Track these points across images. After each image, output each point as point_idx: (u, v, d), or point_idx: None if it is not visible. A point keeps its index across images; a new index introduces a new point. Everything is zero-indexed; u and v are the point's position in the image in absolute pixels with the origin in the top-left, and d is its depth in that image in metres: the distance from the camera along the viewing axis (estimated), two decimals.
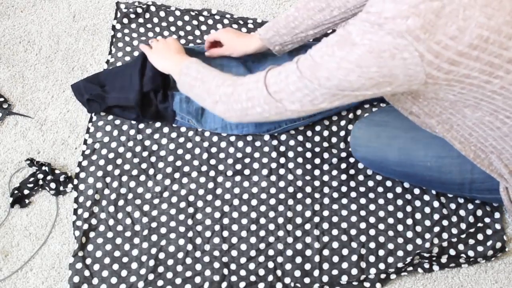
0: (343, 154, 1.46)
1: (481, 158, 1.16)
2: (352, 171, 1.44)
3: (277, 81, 1.08)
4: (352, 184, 1.42)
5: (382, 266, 1.33)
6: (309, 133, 1.49)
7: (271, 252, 1.35)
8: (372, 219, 1.38)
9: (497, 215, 1.37)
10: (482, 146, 1.14)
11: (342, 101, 1.04)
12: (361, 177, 1.43)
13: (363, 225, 1.37)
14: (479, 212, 1.38)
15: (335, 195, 1.41)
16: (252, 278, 1.33)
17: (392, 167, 1.33)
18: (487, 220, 1.37)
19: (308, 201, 1.40)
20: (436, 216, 1.38)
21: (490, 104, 1.03)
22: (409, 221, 1.37)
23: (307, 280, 1.32)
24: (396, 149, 1.29)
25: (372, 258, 1.34)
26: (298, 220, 1.39)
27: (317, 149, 1.47)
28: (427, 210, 1.38)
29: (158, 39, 1.49)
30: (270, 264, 1.34)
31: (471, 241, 1.34)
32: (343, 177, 1.43)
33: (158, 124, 1.51)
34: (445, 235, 1.36)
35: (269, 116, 1.12)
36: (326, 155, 1.46)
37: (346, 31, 0.97)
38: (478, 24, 0.92)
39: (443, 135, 1.15)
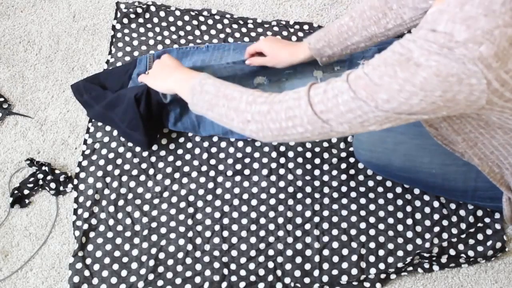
0: (343, 154, 1.46)
1: (495, 172, 1.14)
2: (352, 171, 1.44)
3: (324, 100, 0.98)
4: (352, 184, 1.42)
5: (382, 266, 1.33)
6: None
7: (271, 252, 1.35)
8: (372, 219, 1.38)
9: (497, 215, 1.37)
10: (500, 163, 1.12)
11: (393, 124, 0.97)
12: (361, 177, 1.43)
13: (363, 225, 1.37)
14: (479, 212, 1.38)
15: (335, 195, 1.41)
16: (252, 278, 1.33)
17: (396, 172, 1.32)
18: (487, 220, 1.37)
19: (308, 201, 1.40)
20: (436, 216, 1.37)
21: None
22: (409, 221, 1.37)
23: (307, 280, 1.32)
24: (401, 155, 1.28)
25: (372, 258, 1.34)
26: (298, 220, 1.39)
27: (317, 149, 1.47)
28: (427, 210, 1.38)
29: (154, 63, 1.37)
30: (270, 264, 1.34)
31: (471, 241, 1.34)
32: (343, 177, 1.43)
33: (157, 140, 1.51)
34: (445, 235, 1.36)
35: (311, 136, 1.03)
36: (326, 155, 1.46)
37: (407, 50, 0.90)
38: None
39: (464, 150, 1.11)
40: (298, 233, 1.37)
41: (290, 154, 1.46)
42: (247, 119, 1.06)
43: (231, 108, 1.09)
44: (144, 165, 1.46)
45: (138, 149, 1.48)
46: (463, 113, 0.98)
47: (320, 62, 1.36)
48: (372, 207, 1.39)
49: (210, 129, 1.47)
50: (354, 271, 1.33)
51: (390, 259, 1.34)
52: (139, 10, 1.67)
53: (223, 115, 1.10)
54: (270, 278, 1.33)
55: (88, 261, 1.36)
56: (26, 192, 1.44)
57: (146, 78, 1.36)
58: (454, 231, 1.36)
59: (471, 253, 1.33)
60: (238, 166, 1.45)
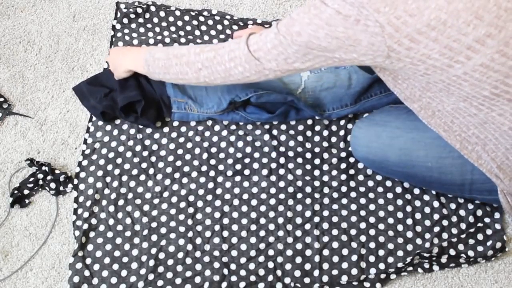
0: (343, 154, 1.46)
1: (468, 150, 1.17)
2: (352, 171, 1.44)
3: (258, 40, 1.14)
4: (352, 184, 1.42)
5: (382, 266, 1.33)
6: (308, 133, 1.49)
7: (271, 252, 1.35)
8: (372, 219, 1.38)
9: (497, 215, 1.37)
10: (466, 136, 1.15)
11: (313, 63, 1.10)
12: (361, 177, 1.43)
13: (363, 225, 1.37)
14: (479, 212, 1.38)
15: (335, 195, 1.41)
16: (252, 278, 1.33)
17: (393, 168, 1.33)
18: (487, 220, 1.37)
19: (308, 201, 1.40)
20: (436, 216, 1.38)
21: (459, 90, 1.06)
22: (409, 221, 1.37)
23: (307, 280, 1.32)
24: (397, 149, 1.29)
25: (372, 258, 1.34)
26: (298, 220, 1.39)
27: (317, 149, 1.47)
28: (427, 210, 1.38)
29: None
30: (270, 264, 1.34)
31: (471, 241, 1.34)
32: (343, 177, 1.43)
33: (158, 124, 1.51)
34: (445, 235, 1.36)
35: (250, 76, 1.18)
36: (326, 155, 1.46)
37: None
38: (438, 6, 0.97)
39: (427, 121, 1.18)
40: (298, 233, 1.37)
41: (290, 154, 1.46)
42: (199, 68, 1.23)
43: (183, 63, 1.25)
44: (144, 165, 1.46)
45: (138, 148, 1.48)
46: (394, 72, 1.09)
47: None
48: (372, 207, 1.40)
49: (206, 98, 1.49)
50: (354, 271, 1.33)
51: (390, 259, 1.34)
52: (139, 10, 1.67)
53: (178, 72, 1.27)
54: (270, 278, 1.33)
55: (88, 261, 1.36)
56: (26, 192, 1.44)
57: (111, 66, 1.47)
58: (454, 231, 1.36)
59: (471, 253, 1.33)
60: (238, 166, 1.45)
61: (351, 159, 1.45)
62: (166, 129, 1.51)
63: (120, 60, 1.43)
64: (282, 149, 1.47)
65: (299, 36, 1.06)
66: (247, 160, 1.46)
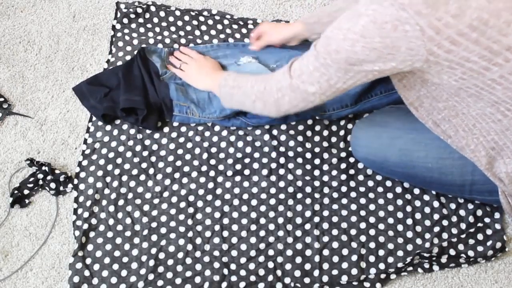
0: (343, 154, 1.46)
1: (481, 154, 1.16)
2: (352, 171, 1.44)
3: (300, 66, 1.15)
4: (352, 184, 1.42)
5: (382, 266, 1.33)
6: (309, 133, 1.49)
7: (271, 252, 1.35)
8: (372, 219, 1.38)
9: (497, 215, 1.37)
10: (484, 140, 1.14)
11: (355, 80, 1.09)
12: (361, 177, 1.43)
13: (363, 225, 1.37)
14: (479, 212, 1.38)
15: (335, 195, 1.41)
16: (252, 278, 1.33)
17: (393, 168, 1.33)
18: (487, 220, 1.37)
19: (308, 201, 1.40)
20: (436, 216, 1.38)
21: (490, 95, 1.04)
22: (409, 221, 1.37)
23: (307, 280, 1.32)
24: (397, 150, 1.29)
25: (372, 258, 1.34)
26: (298, 220, 1.39)
27: (317, 149, 1.47)
28: (427, 210, 1.38)
29: (187, 60, 1.53)
30: (270, 264, 1.34)
31: (471, 241, 1.34)
32: (343, 177, 1.43)
33: (158, 124, 1.51)
34: (445, 235, 1.36)
35: (297, 104, 1.19)
36: (326, 155, 1.46)
37: (356, 4, 1.02)
38: (479, 6, 0.95)
39: (448, 119, 1.16)
40: (298, 233, 1.37)
41: (290, 154, 1.46)
42: (253, 99, 1.26)
43: (242, 94, 1.30)
44: (144, 165, 1.46)
45: (138, 148, 1.48)
46: (426, 76, 1.05)
47: (310, 39, 1.45)
48: (372, 207, 1.40)
49: (209, 105, 1.50)
50: (354, 271, 1.33)
51: (390, 259, 1.34)
52: (139, 10, 1.67)
53: (239, 101, 1.32)
54: (270, 278, 1.33)
55: (88, 261, 1.36)
56: (26, 192, 1.44)
57: (182, 74, 1.52)
58: (454, 231, 1.36)
59: (471, 253, 1.33)
60: (238, 166, 1.45)
61: (351, 159, 1.45)
62: (166, 129, 1.51)
63: (203, 79, 1.48)
64: (282, 149, 1.47)
65: (338, 54, 1.05)
66: (247, 160, 1.46)
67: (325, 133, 1.49)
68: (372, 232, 1.37)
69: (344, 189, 1.42)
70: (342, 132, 1.48)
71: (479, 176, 1.22)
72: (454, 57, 0.98)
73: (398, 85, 1.17)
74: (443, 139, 1.21)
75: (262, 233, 1.38)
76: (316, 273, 1.33)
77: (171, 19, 1.67)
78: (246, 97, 1.28)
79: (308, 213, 1.39)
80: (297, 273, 1.33)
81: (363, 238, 1.36)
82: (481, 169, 1.18)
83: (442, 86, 1.08)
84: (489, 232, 1.35)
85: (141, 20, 1.67)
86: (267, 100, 1.23)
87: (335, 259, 1.34)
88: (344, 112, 1.48)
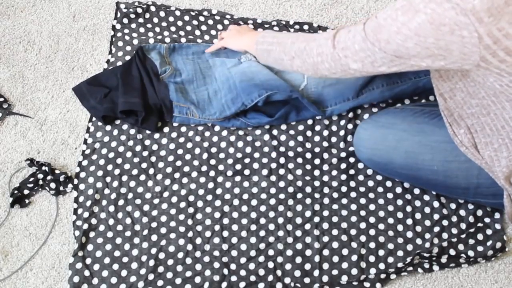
0: (343, 154, 1.46)
1: (503, 155, 1.16)
2: (352, 171, 1.44)
3: (346, 39, 1.12)
4: (352, 184, 1.42)
5: (382, 266, 1.33)
6: (309, 133, 1.49)
7: (271, 252, 1.35)
8: (372, 219, 1.38)
9: (497, 215, 1.37)
10: (509, 143, 1.14)
11: (399, 68, 1.07)
12: (361, 177, 1.43)
13: (363, 225, 1.37)
14: (479, 212, 1.38)
15: (335, 195, 1.41)
16: (252, 278, 1.33)
17: (398, 170, 1.32)
18: (487, 220, 1.37)
19: (308, 201, 1.40)
20: (436, 216, 1.37)
21: None
22: (409, 221, 1.37)
23: (307, 280, 1.32)
24: (402, 152, 1.29)
25: (372, 258, 1.34)
26: (298, 220, 1.39)
27: (317, 149, 1.47)
28: (427, 210, 1.38)
29: (229, 28, 1.57)
30: (270, 264, 1.34)
31: (471, 241, 1.34)
32: (343, 177, 1.43)
33: (158, 124, 1.51)
34: (445, 235, 1.36)
35: (336, 73, 1.18)
36: (326, 155, 1.46)
37: None
38: None
39: (478, 116, 1.15)
40: (298, 233, 1.37)
41: (290, 154, 1.46)
42: (292, 56, 1.25)
43: (280, 50, 1.28)
44: (144, 165, 1.46)
45: (138, 148, 1.48)
46: (470, 73, 1.03)
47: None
48: (372, 207, 1.39)
49: (209, 105, 1.50)
50: (354, 271, 1.33)
51: (390, 259, 1.34)
52: (139, 10, 1.67)
53: (277, 58, 1.30)
54: (270, 278, 1.33)
55: (88, 261, 1.36)
56: (26, 192, 1.44)
57: (222, 40, 1.55)
58: (454, 231, 1.36)
59: (471, 253, 1.33)
60: (238, 166, 1.45)
61: (351, 159, 1.45)
62: (166, 129, 1.51)
63: (240, 39, 1.49)
64: (282, 149, 1.47)
65: (388, 44, 1.03)
66: (247, 160, 1.46)
67: (325, 133, 1.49)
68: (372, 232, 1.37)
69: (344, 189, 1.42)
70: (342, 132, 1.48)
71: (484, 179, 1.22)
72: (506, 67, 0.97)
73: (434, 73, 1.15)
74: (458, 135, 1.20)
75: (262, 233, 1.38)
76: (316, 273, 1.33)
77: (171, 19, 1.67)
78: (285, 53, 1.27)
79: (308, 213, 1.39)
80: (297, 273, 1.33)
81: (363, 238, 1.36)
82: (497, 170, 1.17)
83: (483, 85, 1.06)
84: (489, 232, 1.35)
85: (141, 20, 1.67)
86: (306, 61, 1.21)
87: (335, 259, 1.34)
88: (346, 106, 1.48)
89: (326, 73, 1.19)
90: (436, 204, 1.39)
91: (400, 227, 1.37)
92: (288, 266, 1.34)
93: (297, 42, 1.24)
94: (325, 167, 1.45)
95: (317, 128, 1.50)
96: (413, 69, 1.07)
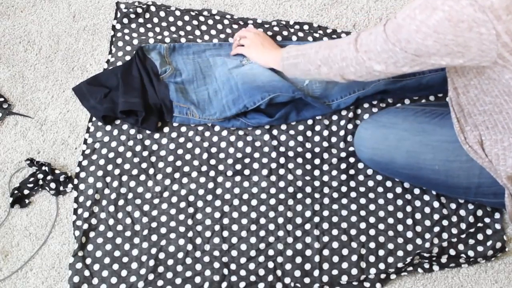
0: (343, 154, 1.46)
1: (505, 155, 1.16)
2: (352, 171, 1.44)
3: (368, 42, 1.13)
4: (352, 184, 1.42)
5: (382, 266, 1.33)
6: (309, 133, 1.49)
7: (271, 252, 1.35)
8: (372, 219, 1.38)
9: (497, 215, 1.37)
10: None
11: (421, 67, 1.08)
12: (361, 177, 1.43)
13: (363, 225, 1.37)
14: (479, 212, 1.38)
15: (335, 195, 1.41)
16: (252, 278, 1.33)
17: (399, 170, 1.32)
18: (487, 220, 1.37)
19: (308, 201, 1.40)
20: (436, 216, 1.37)
21: None
22: (409, 221, 1.37)
23: (307, 280, 1.32)
24: (404, 152, 1.29)
25: (372, 258, 1.34)
26: (298, 220, 1.39)
27: (317, 149, 1.47)
28: (427, 210, 1.38)
29: (246, 34, 1.55)
30: (270, 264, 1.34)
31: (471, 241, 1.34)
32: (343, 177, 1.43)
33: (158, 124, 1.51)
34: (445, 235, 1.36)
35: (362, 76, 1.19)
36: (326, 155, 1.46)
37: None
38: None
39: (490, 113, 1.16)
40: (298, 233, 1.37)
41: (290, 154, 1.46)
42: (318, 64, 1.26)
43: (306, 61, 1.30)
44: (144, 165, 1.46)
45: (138, 148, 1.48)
46: (486, 70, 1.04)
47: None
48: (372, 207, 1.39)
49: (209, 106, 1.50)
50: (354, 271, 1.33)
51: (390, 259, 1.34)
52: (139, 10, 1.67)
53: (304, 69, 1.32)
54: (270, 278, 1.33)
55: (88, 261, 1.36)
56: (26, 192, 1.44)
57: (245, 49, 1.53)
58: (454, 231, 1.36)
59: (471, 253, 1.33)
60: (238, 166, 1.45)
61: (351, 159, 1.45)
62: (166, 129, 1.51)
63: (264, 56, 1.49)
64: (282, 149, 1.47)
65: (408, 44, 1.04)
66: (247, 160, 1.46)
67: (325, 133, 1.49)
68: (372, 232, 1.37)
69: (344, 189, 1.42)
70: (342, 132, 1.48)
71: (485, 178, 1.22)
72: None
73: (450, 68, 1.16)
74: (464, 131, 1.20)
75: (262, 233, 1.38)
76: (316, 273, 1.33)
77: (171, 19, 1.67)
78: (311, 63, 1.28)
79: (308, 213, 1.39)
80: (297, 273, 1.33)
81: (363, 238, 1.36)
82: (501, 168, 1.17)
83: (497, 83, 1.07)
84: (489, 232, 1.35)
85: (141, 20, 1.67)
86: (332, 67, 1.23)
87: (335, 259, 1.34)
88: (351, 99, 1.48)
89: (353, 77, 1.20)
90: (436, 204, 1.39)
91: (400, 227, 1.37)
92: (288, 266, 1.34)
93: (321, 50, 1.25)
94: (325, 167, 1.45)
95: (317, 128, 1.50)
96: (434, 67, 1.08)
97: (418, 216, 1.38)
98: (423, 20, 0.99)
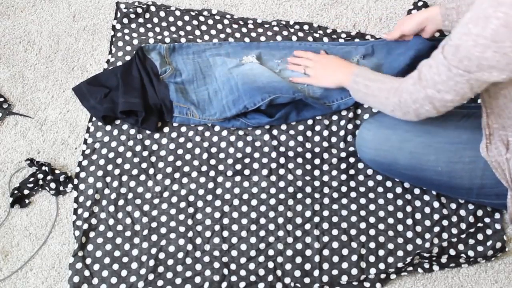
0: (343, 154, 1.46)
1: None
2: (352, 171, 1.44)
3: (432, 76, 1.11)
4: (352, 184, 1.42)
5: (382, 266, 1.33)
6: (309, 133, 1.49)
7: (271, 252, 1.35)
8: (372, 219, 1.38)
9: (497, 215, 1.37)
10: None
11: (486, 86, 1.07)
12: (361, 177, 1.43)
13: (363, 225, 1.37)
14: (479, 212, 1.38)
15: (335, 195, 1.41)
16: (252, 278, 1.33)
17: (401, 171, 1.32)
18: (487, 220, 1.37)
19: (308, 201, 1.40)
20: (436, 216, 1.37)
21: None
22: (409, 221, 1.37)
23: (307, 280, 1.32)
24: (407, 153, 1.29)
25: (372, 258, 1.34)
26: (298, 220, 1.39)
27: (317, 149, 1.47)
28: (427, 210, 1.38)
29: (308, 63, 1.51)
30: (270, 264, 1.34)
31: (471, 241, 1.34)
32: (343, 177, 1.43)
33: (158, 124, 1.51)
34: (445, 235, 1.36)
35: (437, 111, 1.16)
36: (326, 155, 1.46)
37: (479, 4, 0.98)
38: None
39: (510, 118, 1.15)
40: (298, 233, 1.37)
41: (290, 154, 1.46)
42: (391, 109, 1.24)
43: (377, 102, 1.28)
44: (144, 165, 1.46)
45: (138, 148, 1.48)
46: None
47: (443, 26, 1.37)
48: (372, 207, 1.39)
49: (209, 106, 1.50)
50: (354, 271, 1.33)
51: (390, 259, 1.34)
52: (139, 10, 1.67)
53: (375, 106, 1.32)
54: (270, 278, 1.33)
55: (88, 261, 1.36)
56: (26, 192, 1.44)
57: (310, 79, 1.50)
58: (454, 231, 1.36)
59: (471, 253, 1.33)
60: (238, 166, 1.45)
61: (351, 159, 1.45)
62: (166, 129, 1.51)
63: (331, 74, 1.45)
64: (282, 149, 1.47)
65: (470, 61, 1.02)
66: (247, 160, 1.46)
67: (325, 133, 1.49)
68: (372, 232, 1.37)
69: (344, 189, 1.42)
70: (342, 132, 1.48)
71: (488, 179, 1.22)
72: None
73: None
74: (489, 127, 1.19)
75: (262, 233, 1.38)
76: (316, 273, 1.33)
77: (171, 19, 1.67)
78: (382, 106, 1.26)
79: (308, 213, 1.39)
80: (297, 273, 1.33)
81: (363, 238, 1.36)
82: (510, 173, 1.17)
83: None
84: (489, 232, 1.35)
85: (141, 20, 1.67)
86: (406, 111, 1.20)
87: (335, 259, 1.34)
88: (352, 100, 1.48)
89: (429, 114, 1.18)
90: (436, 204, 1.39)
91: (400, 227, 1.37)
92: (288, 266, 1.34)
93: (390, 96, 1.22)
94: (325, 167, 1.45)
95: (317, 128, 1.50)
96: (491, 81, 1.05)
97: (418, 216, 1.38)
98: (479, 32, 0.98)
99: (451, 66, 1.06)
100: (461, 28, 1.02)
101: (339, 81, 1.42)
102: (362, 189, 1.42)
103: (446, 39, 1.08)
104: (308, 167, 1.45)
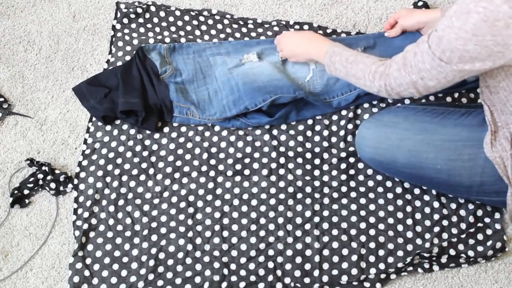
0: (343, 154, 1.46)
1: None
2: (352, 171, 1.44)
3: (416, 63, 1.14)
4: (352, 184, 1.42)
5: (382, 266, 1.33)
6: (309, 133, 1.49)
7: (271, 252, 1.35)
8: (372, 219, 1.38)
9: (497, 215, 1.37)
10: None
11: (469, 75, 1.10)
12: (361, 177, 1.43)
13: (363, 225, 1.37)
14: (479, 212, 1.38)
15: (335, 195, 1.41)
16: (252, 278, 1.33)
17: (401, 169, 1.32)
18: (487, 220, 1.37)
19: (308, 201, 1.40)
20: (436, 216, 1.37)
21: None
22: (409, 221, 1.37)
23: (307, 280, 1.32)
24: (406, 151, 1.29)
25: (372, 258, 1.34)
26: (298, 220, 1.39)
27: (317, 149, 1.47)
28: (427, 210, 1.38)
29: (279, 43, 1.52)
30: (270, 264, 1.34)
31: (471, 241, 1.34)
32: (343, 177, 1.43)
33: (158, 124, 1.51)
34: (445, 235, 1.36)
35: (420, 94, 1.20)
36: (326, 155, 1.46)
37: (462, 1, 1.00)
38: None
39: None
40: (298, 233, 1.37)
41: (290, 154, 1.46)
42: (375, 91, 1.27)
43: (362, 84, 1.30)
44: (144, 165, 1.46)
45: (138, 148, 1.48)
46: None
47: None
48: (372, 207, 1.39)
49: (209, 106, 1.50)
50: (354, 271, 1.33)
51: (390, 259, 1.34)
52: (139, 10, 1.67)
53: (359, 86, 1.32)
54: (270, 278, 1.33)
55: (88, 261, 1.36)
56: (26, 192, 1.44)
57: (290, 59, 1.53)
58: (454, 231, 1.36)
59: (471, 253, 1.33)
60: (238, 166, 1.45)
61: (351, 159, 1.45)
62: (166, 129, 1.51)
63: (304, 49, 1.47)
64: (282, 149, 1.47)
65: (452, 53, 1.05)
66: (247, 160, 1.46)
67: (325, 133, 1.49)
68: (372, 232, 1.37)
69: (344, 189, 1.42)
70: (342, 132, 1.48)
71: (488, 177, 1.22)
72: None
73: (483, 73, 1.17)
74: (494, 123, 1.20)
75: (262, 233, 1.38)
76: (316, 273, 1.33)
77: (171, 19, 1.67)
78: (366, 87, 1.29)
79: (308, 213, 1.39)
80: (297, 273, 1.33)
81: (363, 238, 1.36)
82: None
83: None
84: (489, 232, 1.35)
85: (141, 20, 1.67)
86: (391, 93, 1.24)
87: (335, 259, 1.34)
88: (352, 96, 1.48)
89: (411, 96, 1.22)
90: (436, 204, 1.39)
91: (400, 227, 1.37)
92: (288, 266, 1.34)
93: (375, 80, 1.25)
94: (325, 167, 1.45)
95: (317, 128, 1.50)
96: (480, 73, 1.09)
97: (418, 216, 1.38)
98: (461, 26, 1.01)
99: (435, 56, 1.09)
100: (445, 20, 1.05)
101: (313, 57, 1.45)
102: (362, 189, 1.42)
103: (432, 28, 1.11)
104: (308, 167, 1.45)
